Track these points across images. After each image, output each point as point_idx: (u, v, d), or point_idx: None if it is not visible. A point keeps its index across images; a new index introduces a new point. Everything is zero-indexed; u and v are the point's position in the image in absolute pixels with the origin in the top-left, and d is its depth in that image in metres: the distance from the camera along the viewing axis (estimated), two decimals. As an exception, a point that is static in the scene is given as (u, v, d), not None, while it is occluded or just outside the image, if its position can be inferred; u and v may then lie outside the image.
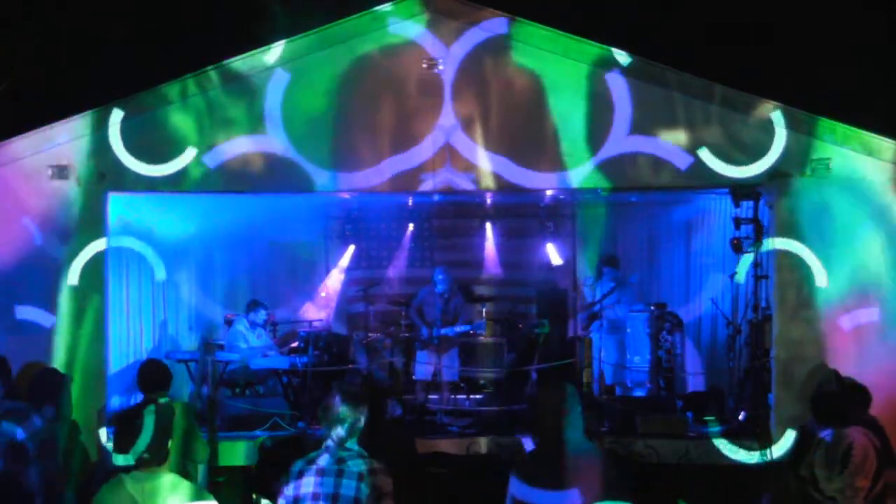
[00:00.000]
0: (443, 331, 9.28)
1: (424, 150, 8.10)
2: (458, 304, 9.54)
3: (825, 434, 5.64)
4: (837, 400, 5.97)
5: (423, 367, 9.37)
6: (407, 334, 9.61)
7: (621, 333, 9.74)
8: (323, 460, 4.21)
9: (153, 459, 4.13)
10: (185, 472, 5.39)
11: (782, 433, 7.67)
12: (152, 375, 6.02)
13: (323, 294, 11.21)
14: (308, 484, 4.16)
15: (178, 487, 4.15)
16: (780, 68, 11.42)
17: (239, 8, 11.19)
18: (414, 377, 9.45)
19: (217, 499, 4.27)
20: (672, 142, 8.05)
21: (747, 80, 8.46)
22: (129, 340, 9.49)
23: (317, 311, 10.86)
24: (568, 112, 8.09)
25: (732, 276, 8.63)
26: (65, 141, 7.93)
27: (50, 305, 7.86)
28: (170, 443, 4.21)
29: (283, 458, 4.45)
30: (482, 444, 7.97)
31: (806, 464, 5.68)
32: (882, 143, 7.89)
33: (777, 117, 7.94)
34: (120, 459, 4.66)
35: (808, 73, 11.23)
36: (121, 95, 8.04)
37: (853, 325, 7.86)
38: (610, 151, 8.08)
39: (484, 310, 10.47)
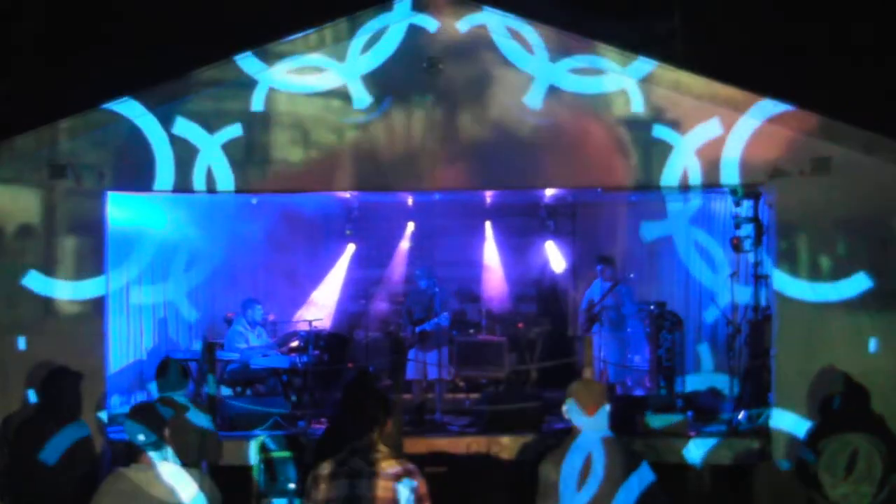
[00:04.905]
0: (418, 328, 9.33)
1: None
2: (437, 295, 9.50)
3: (830, 439, 5.62)
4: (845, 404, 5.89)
5: (412, 365, 9.40)
6: (403, 334, 9.65)
7: (622, 332, 9.73)
8: (355, 463, 4.13)
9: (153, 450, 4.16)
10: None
11: (781, 432, 7.63)
12: (170, 374, 6.03)
13: (321, 295, 11.20)
14: (342, 486, 4.08)
15: (180, 476, 4.17)
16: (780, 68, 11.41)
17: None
18: (406, 377, 9.48)
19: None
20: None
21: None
22: (129, 340, 9.48)
23: (316, 312, 10.85)
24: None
25: (732, 275, 8.61)
26: (64, 140, 7.88)
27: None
28: (167, 435, 4.25)
29: (283, 458, 4.43)
30: (482, 443, 7.96)
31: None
32: (882, 141, 7.82)
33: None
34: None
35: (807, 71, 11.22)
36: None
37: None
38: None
39: (483, 309, 10.46)
